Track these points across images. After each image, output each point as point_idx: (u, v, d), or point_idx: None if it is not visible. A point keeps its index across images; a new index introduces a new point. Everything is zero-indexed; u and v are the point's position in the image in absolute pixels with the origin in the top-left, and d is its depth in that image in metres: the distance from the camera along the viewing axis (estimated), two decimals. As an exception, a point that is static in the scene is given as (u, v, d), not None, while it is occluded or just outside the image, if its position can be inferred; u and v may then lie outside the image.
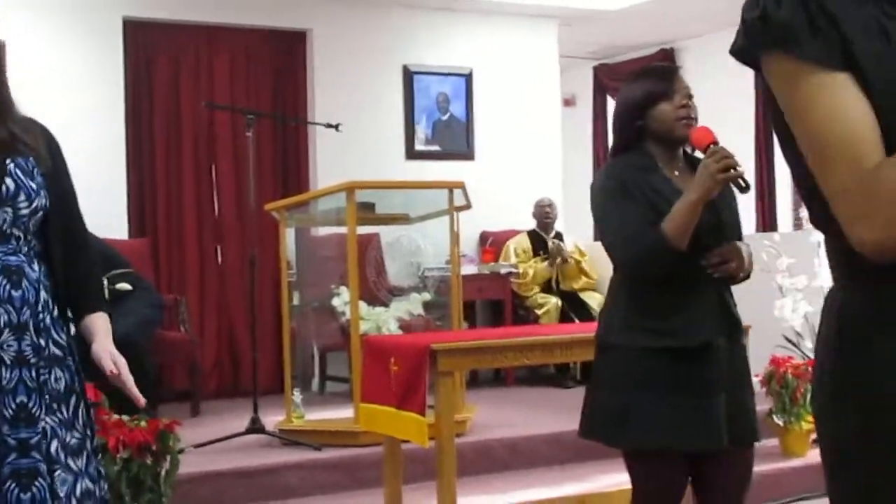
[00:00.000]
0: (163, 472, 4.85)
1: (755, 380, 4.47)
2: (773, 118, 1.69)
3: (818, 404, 1.73)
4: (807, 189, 1.65)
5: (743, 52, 1.67)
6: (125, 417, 4.86)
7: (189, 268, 9.08)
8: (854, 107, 1.53)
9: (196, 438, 6.41)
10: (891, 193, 1.47)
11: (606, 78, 12.85)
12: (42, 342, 2.77)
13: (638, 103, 3.61)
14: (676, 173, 3.61)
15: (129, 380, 2.82)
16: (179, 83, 9.17)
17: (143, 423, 4.84)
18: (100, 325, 2.89)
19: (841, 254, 1.64)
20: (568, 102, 12.94)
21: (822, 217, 1.61)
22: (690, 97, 3.60)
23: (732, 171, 3.33)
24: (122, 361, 2.83)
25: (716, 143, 3.42)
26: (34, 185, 2.78)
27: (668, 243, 3.39)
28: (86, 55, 8.68)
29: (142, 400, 2.83)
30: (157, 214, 9.06)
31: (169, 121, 9.12)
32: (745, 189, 3.37)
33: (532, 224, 9.89)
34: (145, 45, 9.09)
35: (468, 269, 9.21)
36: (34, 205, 2.77)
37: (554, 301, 9.42)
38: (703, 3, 9.98)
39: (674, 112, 3.56)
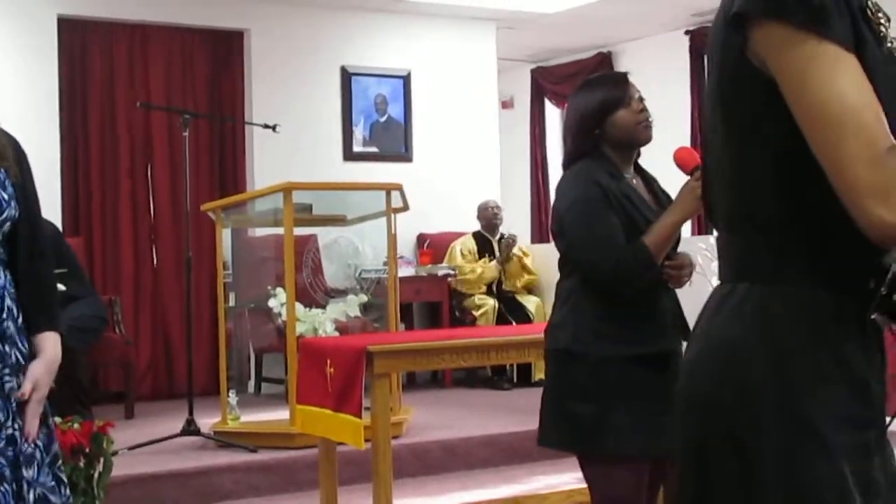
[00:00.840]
0: (96, 475, 4.80)
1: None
2: (735, 101, 1.70)
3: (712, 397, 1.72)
4: (754, 181, 1.67)
5: (742, 17, 1.64)
6: (58, 419, 4.81)
7: (124, 268, 9.01)
8: (869, 90, 1.55)
9: (130, 440, 6.36)
10: None
11: (544, 80, 12.90)
12: (6, 349, 2.74)
13: (595, 111, 3.60)
14: (634, 181, 3.65)
15: (30, 412, 2.76)
16: (115, 82, 9.09)
17: (76, 426, 4.80)
18: (46, 347, 2.85)
19: (776, 251, 1.67)
20: (506, 105, 12.97)
21: (769, 208, 1.65)
22: (643, 100, 3.64)
23: None
24: (41, 394, 2.78)
25: (699, 166, 3.43)
26: (6, 196, 2.76)
27: (650, 258, 3.42)
28: (20, 53, 8.57)
29: (32, 435, 2.77)
30: (91, 214, 8.98)
31: (104, 120, 9.04)
32: None
33: (475, 226, 9.91)
34: (80, 43, 9.01)
35: (405, 271, 9.22)
36: (4, 215, 2.75)
37: (491, 303, 9.45)
38: (640, 7, 10.05)
39: (633, 117, 3.58)
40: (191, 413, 6.55)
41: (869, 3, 1.66)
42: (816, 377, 1.64)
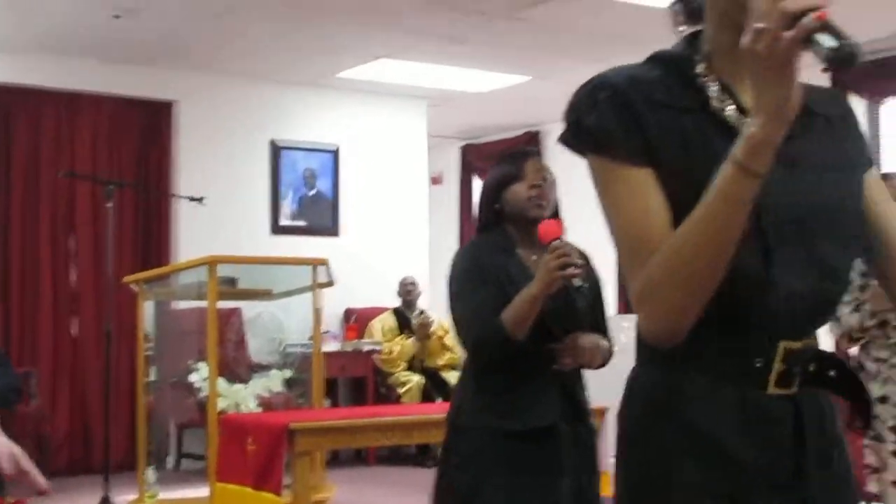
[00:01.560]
0: (4, 554, 4.65)
1: (612, 461, 4.48)
2: None
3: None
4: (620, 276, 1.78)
5: (570, 146, 1.77)
6: (-33, 496, 4.66)
7: (42, 338, 8.83)
8: (657, 206, 1.66)
9: (42, 517, 6.18)
10: (651, 282, 1.62)
11: (473, 157, 12.96)
12: None
13: (494, 185, 3.69)
14: (534, 258, 3.63)
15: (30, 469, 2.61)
16: (40, 150, 8.98)
17: (-16, 502, 4.65)
18: None
19: (638, 336, 1.76)
20: (435, 180, 13.00)
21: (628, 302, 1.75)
22: (545, 179, 3.65)
23: (572, 268, 3.38)
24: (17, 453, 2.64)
25: (560, 238, 3.46)
26: None
27: (505, 333, 3.42)
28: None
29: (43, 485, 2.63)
30: (10, 283, 8.81)
31: (27, 188, 8.91)
32: (579, 289, 3.43)
33: (397, 302, 9.88)
34: (6, 110, 8.90)
35: (331, 345, 9.15)
36: None
37: (416, 379, 9.40)
38: (568, 88, 10.14)
39: (525, 192, 3.61)
40: (106, 489, 6.40)
41: (713, 95, 1.71)
42: (665, 453, 1.73)
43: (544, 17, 7.81)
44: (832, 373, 1.75)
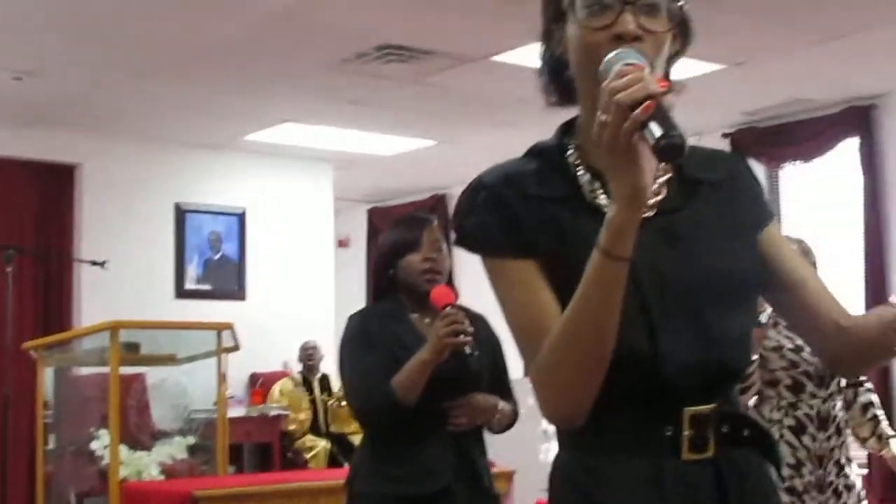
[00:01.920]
0: None
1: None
2: None
3: None
4: None
5: (462, 247, 1.83)
6: None
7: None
8: (543, 296, 1.72)
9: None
10: (543, 375, 1.68)
11: (380, 220, 12.97)
12: None
13: (388, 253, 3.66)
14: (427, 322, 3.62)
15: None
16: (-63, 214, 8.80)
17: None
18: None
19: None
20: (342, 243, 12.98)
21: None
22: (440, 250, 3.63)
23: (462, 336, 3.37)
24: None
25: (452, 304, 3.45)
26: None
27: (396, 398, 3.40)
28: None
29: None
30: None
31: (-77, 253, 8.70)
32: (470, 355, 3.42)
33: (299, 366, 9.81)
34: None
35: (236, 411, 9.02)
36: None
37: (323, 444, 9.31)
38: (474, 152, 10.22)
39: (419, 265, 3.59)
40: (3, 562, 6.21)
41: (584, 183, 1.76)
42: None
43: (449, 83, 7.88)
44: (746, 432, 1.78)
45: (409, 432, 3.48)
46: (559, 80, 1.82)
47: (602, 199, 1.73)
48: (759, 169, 9.20)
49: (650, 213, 1.72)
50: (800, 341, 4.66)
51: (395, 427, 3.46)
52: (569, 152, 1.79)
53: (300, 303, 10.31)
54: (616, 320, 1.62)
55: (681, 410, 1.70)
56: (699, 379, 1.71)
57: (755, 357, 4.54)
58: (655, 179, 1.76)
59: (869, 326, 1.82)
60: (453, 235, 1.84)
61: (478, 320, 3.55)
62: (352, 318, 3.68)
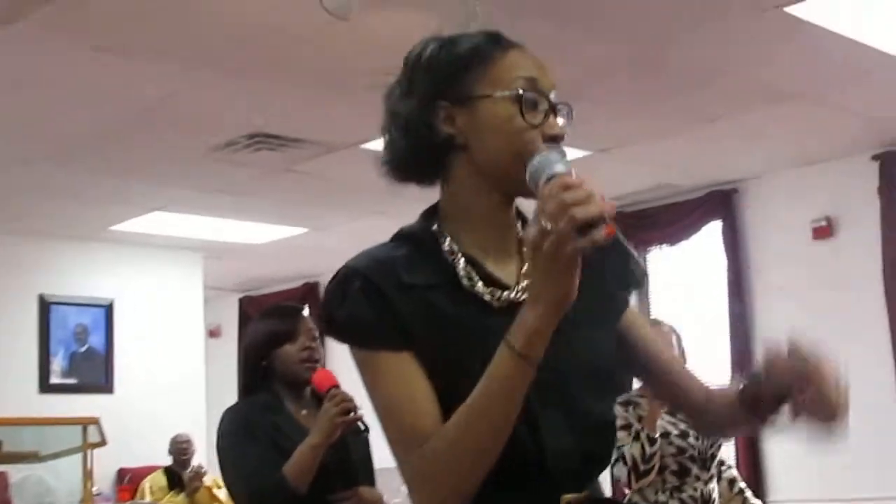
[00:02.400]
0: None
1: None
2: None
3: None
4: None
5: (332, 337, 1.78)
6: None
7: None
8: (411, 388, 1.68)
9: None
10: (432, 469, 1.63)
11: (252, 309, 12.83)
12: None
13: (262, 344, 3.59)
14: (304, 412, 3.58)
15: None
16: None
17: None
18: None
19: None
20: (213, 333, 12.82)
21: None
22: (315, 339, 3.60)
23: (352, 414, 3.35)
24: None
25: (337, 386, 3.43)
26: None
27: (288, 485, 3.34)
28: None
29: None
30: None
31: None
32: (364, 431, 3.42)
33: (169, 460, 9.57)
34: None
35: (104, 507, 8.77)
36: None
37: (189, 538, 9.07)
38: (345, 240, 10.21)
39: (297, 354, 3.55)
40: None
41: (460, 271, 1.75)
42: None
43: (319, 171, 7.87)
44: None
45: None
46: (433, 159, 1.79)
47: (480, 287, 1.73)
48: (626, 253, 9.33)
49: (523, 297, 1.71)
50: (683, 426, 4.73)
51: None
52: (443, 239, 1.78)
53: (170, 395, 10.09)
54: (513, 423, 1.61)
55: (556, 496, 1.71)
56: (575, 466, 1.73)
57: (658, 438, 4.59)
58: (524, 264, 1.76)
59: (722, 403, 1.90)
60: (324, 328, 1.81)
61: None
62: (230, 410, 3.61)
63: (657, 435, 4.62)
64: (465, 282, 1.74)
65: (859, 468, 7.76)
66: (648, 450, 4.57)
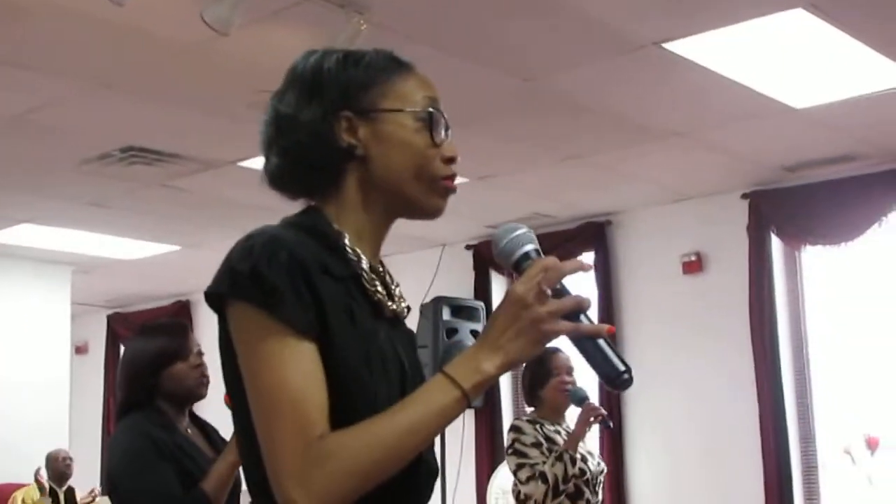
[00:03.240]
0: None
1: None
2: (224, 362, 1.72)
3: None
4: (245, 438, 1.69)
5: (217, 297, 1.68)
6: None
7: None
8: (313, 375, 1.61)
9: None
10: (333, 466, 1.56)
11: (120, 326, 12.61)
12: None
13: (150, 361, 3.48)
14: (188, 430, 3.51)
15: None
16: None
17: None
18: None
19: None
20: (80, 350, 12.56)
21: (251, 476, 1.69)
22: (202, 354, 3.53)
23: None
24: None
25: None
26: None
27: (210, 502, 3.28)
28: None
29: None
30: None
31: None
32: None
33: (43, 475, 9.30)
34: None
35: (-42, 526, 8.47)
36: None
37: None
38: (218, 258, 10.07)
39: (189, 371, 3.47)
40: None
41: (365, 272, 1.75)
42: None
43: (192, 187, 7.74)
44: None
45: None
46: (329, 168, 1.78)
47: (381, 297, 1.76)
48: (499, 280, 9.39)
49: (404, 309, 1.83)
50: (584, 451, 4.80)
51: None
52: (344, 240, 1.75)
53: (33, 411, 9.82)
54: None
55: None
56: (431, 481, 1.78)
57: (578, 459, 4.64)
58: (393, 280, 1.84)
59: None
60: (225, 280, 1.66)
61: None
62: (127, 429, 3.45)
63: (577, 456, 4.69)
64: (367, 285, 1.74)
65: (709, 489, 7.93)
66: (570, 470, 4.65)
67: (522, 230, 1.71)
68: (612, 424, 5.19)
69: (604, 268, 8.82)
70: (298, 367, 1.61)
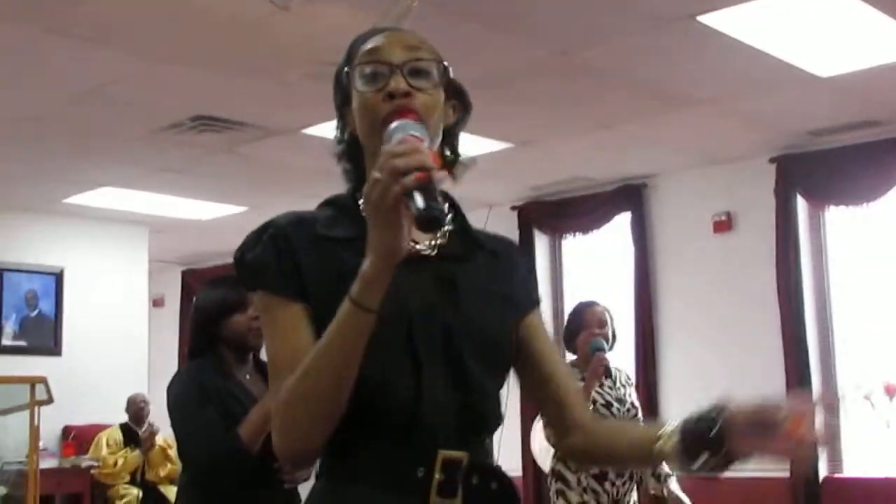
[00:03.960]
0: None
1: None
2: None
3: None
4: None
5: (240, 283, 1.78)
6: None
7: None
8: (300, 335, 1.65)
9: None
10: (278, 406, 1.62)
11: (193, 281, 12.73)
12: None
13: (213, 311, 3.52)
14: (248, 376, 3.54)
15: None
16: None
17: None
18: None
19: (323, 454, 1.72)
20: (157, 303, 12.70)
21: None
22: None
23: None
24: None
25: None
26: None
27: (242, 447, 3.29)
28: None
29: None
30: None
31: None
32: None
33: (122, 417, 9.45)
34: None
35: (48, 462, 8.64)
36: None
37: (135, 493, 8.97)
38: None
39: (246, 323, 3.51)
40: None
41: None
42: None
43: (259, 153, 7.77)
44: (494, 485, 1.72)
45: (246, 484, 3.34)
46: (352, 155, 1.82)
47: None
48: (543, 239, 9.37)
49: (431, 253, 1.74)
50: (610, 397, 4.76)
51: (239, 478, 3.32)
52: (361, 200, 1.74)
53: (115, 359, 9.96)
54: (355, 368, 1.59)
55: (435, 454, 1.65)
56: (454, 423, 1.68)
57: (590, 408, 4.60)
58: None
59: (614, 439, 1.87)
60: (235, 268, 1.77)
61: None
62: (181, 373, 3.55)
63: (590, 405, 4.65)
64: None
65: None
66: None
67: (408, 122, 1.64)
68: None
69: (640, 228, 8.78)
70: (284, 331, 1.68)
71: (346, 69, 1.78)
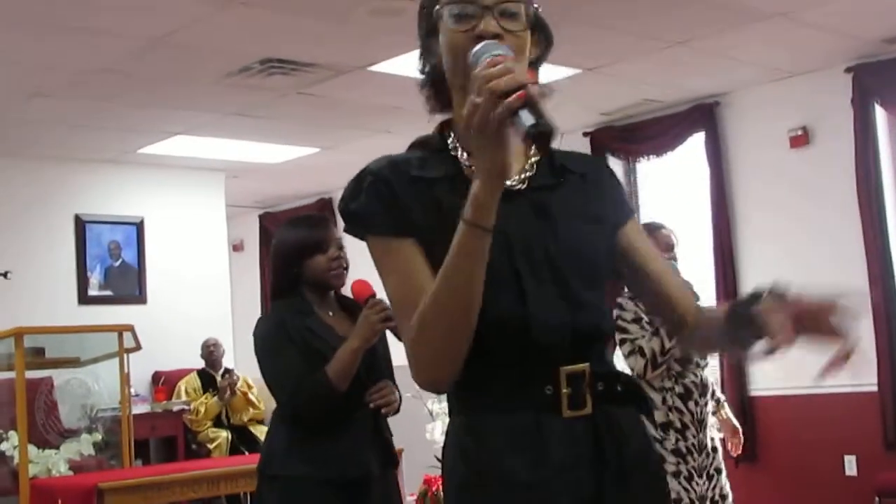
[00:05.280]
0: None
1: (410, 499, 4.46)
2: None
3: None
4: None
5: (348, 232, 1.87)
6: None
7: None
8: (419, 270, 1.74)
9: None
10: (413, 332, 1.69)
11: (271, 225, 12.85)
12: None
13: (293, 253, 3.58)
14: (331, 314, 3.61)
15: None
16: None
17: None
18: None
19: (453, 387, 1.79)
20: (236, 248, 12.86)
21: None
22: (342, 248, 3.61)
23: (391, 321, 3.35)
24: None
25: (374, 295, 3.43)
26: None
27: (331, 385, 3.35)
28: None
29: None
30: None
31: None
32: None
33: (201, 363, 9.66)
34: None
35: (140, 408, 8.87)
36: None
37: (224, 435, 9.18)
38: (355, 157, 10.18)
39: (327, 263, 3.56)
40: (-81, 562, 5.99)
41: (465, 166, 1.80)
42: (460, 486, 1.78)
43: (329, 93, 7.81)
44: (619, 388, 1.81)
45: (333, 418, 3.42)
46: (437, 88, 1.86)
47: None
48: (616, 164, 9.32)
49: (521, 186, 1.80)
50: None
51: (325, 415, 3.40)
52: (450, 139, 1.84)
53: (198, 304, 10.15)
54: (480, 288, 1.65)
55: (557, 370, 1.73)
56: (569, 340, 1.75)
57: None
58: (528, 159, 1.83)
59: (712, 326, 1.92)
60: (342, 217, 1.84)
61: None
62: (264, 319, 3.65)
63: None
64: (466, 171, 1.79)
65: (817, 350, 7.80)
66: (667, 344, 4.58)
67: (491, 44, 1.67)
68: None
69: (714, 147, 8.69)
70: (400, 268, 1.75)
71: (436, 6, 1.81)
